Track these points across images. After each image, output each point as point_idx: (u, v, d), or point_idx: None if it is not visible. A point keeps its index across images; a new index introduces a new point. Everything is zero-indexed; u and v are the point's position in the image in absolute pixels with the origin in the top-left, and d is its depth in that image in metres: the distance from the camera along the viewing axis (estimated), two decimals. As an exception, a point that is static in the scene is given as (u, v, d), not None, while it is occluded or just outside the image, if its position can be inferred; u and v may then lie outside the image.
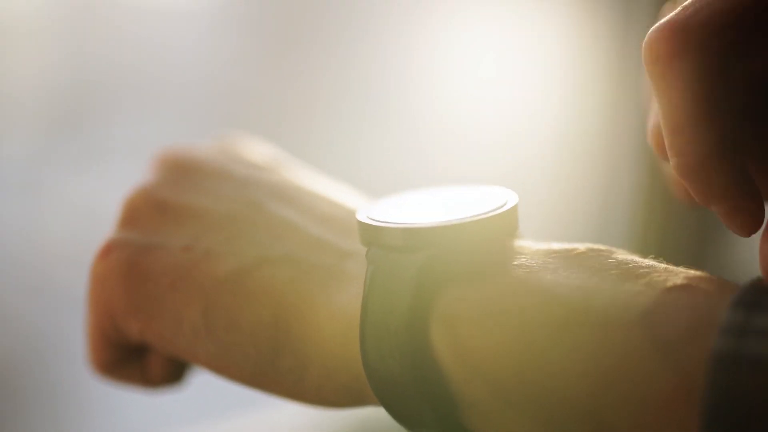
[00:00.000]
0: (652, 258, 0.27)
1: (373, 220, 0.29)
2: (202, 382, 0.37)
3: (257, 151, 0.36)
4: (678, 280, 0.25)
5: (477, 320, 0.26)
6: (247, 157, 0.35)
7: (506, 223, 0.28)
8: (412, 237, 0.27)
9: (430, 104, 1.73)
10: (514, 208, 0.29)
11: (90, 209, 1.49)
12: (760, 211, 0.26)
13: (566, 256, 0.27)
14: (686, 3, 0.26)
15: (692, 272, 0.26)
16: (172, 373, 0.35)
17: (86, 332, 0.34)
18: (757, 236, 0.28)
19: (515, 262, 0.27)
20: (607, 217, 1.08)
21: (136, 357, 0.34)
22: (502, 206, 0.28)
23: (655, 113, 0.30)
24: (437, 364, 0.27)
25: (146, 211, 0.33)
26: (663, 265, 0.26)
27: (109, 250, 0.33)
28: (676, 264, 0.27)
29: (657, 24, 0.26)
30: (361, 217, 0.29)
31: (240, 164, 0.35)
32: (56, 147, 1.77)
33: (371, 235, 0.28)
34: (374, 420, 0.44)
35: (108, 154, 1.69)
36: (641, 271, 0.26)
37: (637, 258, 0.27)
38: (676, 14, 0.26)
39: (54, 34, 2.07)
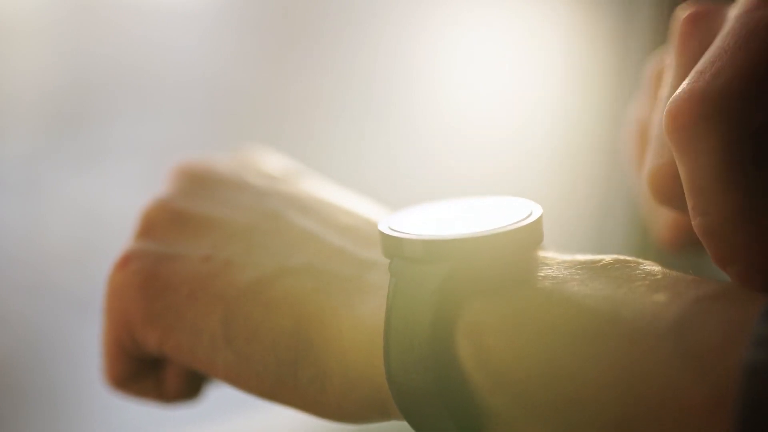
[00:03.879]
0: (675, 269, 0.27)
1: (396, 231, 0.28)
2: (202, 383, 0.37)
3: (275, 162, 0.36)
4: (706, 291, 0.25)
5: (503, 331, 0.26)
6: (264, 168, 0.35)
7: (531, 236, 0.28)
8: (435, 249, 0.27)
9: (431, 104, 1.73)
10: (539, 221, 0.28)
11: (90, 209, 1.49)
12: None
13: (592, 267, 0.27)
14: (701, 67, 0.27)
15: (720, 283, 0.25)
16: (189, 387, 0.34)
17: (102, 344, 0.34)
18: None
19: (541, 274, 0.27)
20: (606, 218, 1.08)
21: (152, 370, 0.34)
22: (526, 218, 0.28)
23: (652, 159, 0.30)
24: (462, 376, 0.26)
25: (164, 222, 0.33)
26: (690, 276, 0.26)
27: (127, 261, 0.32)
28: (677, 267, 0.27)
29: (677, 92, 0.26)
30: (383, 228, 0.29)
31: (258, 175, 0.34)
32: (56, 147, 1.77)
33: (394, 246, 0.28)
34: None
35: (108, 154, 1.69)
36: (669, 281, 0.26)
37: (663, 269, 0.27)
38: (695, 82, 0.26)
39: (54, 34, 2.06)
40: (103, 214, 1.47)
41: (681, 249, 0.34)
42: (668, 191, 0.30)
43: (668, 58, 0.31)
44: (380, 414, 0.30)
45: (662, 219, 0.34)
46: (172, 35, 2.11)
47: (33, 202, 1.58)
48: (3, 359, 1.26)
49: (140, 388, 0.35)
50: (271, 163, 0.36)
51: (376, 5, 2.00)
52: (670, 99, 0.26)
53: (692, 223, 0.26)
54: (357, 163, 1.62)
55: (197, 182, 0.34)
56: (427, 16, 1.87)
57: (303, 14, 2.06)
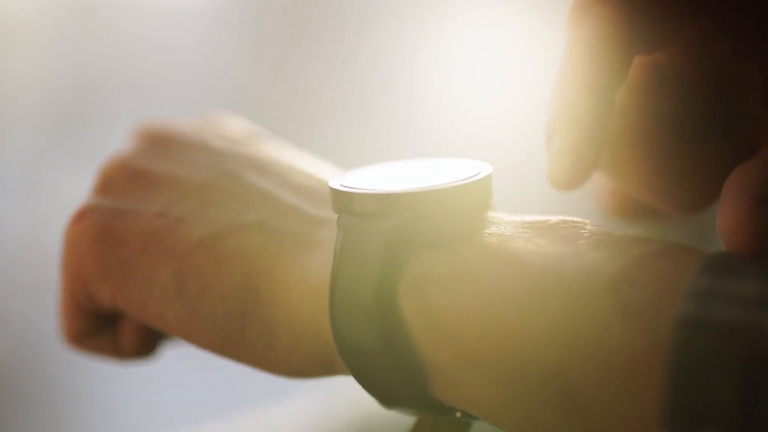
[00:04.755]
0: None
1: (345, 186, 0.29)
2: (201, 382, 0.37)
3: (236, 126, 0.36)
4: (647, 248, 0.25)
5: (445, 285, 0.26)
6: (224, 131, 0.35)
7: (478, 192, 0.28)
8: (382, 203, 0.27)
9: (431, 104, 1.73)
10: (487, 178, 0.29)
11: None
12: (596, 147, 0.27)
13: (539, 226, 0.27)
14: None
15: (662, 242, 0.26)
16: (144, 343, 0.34)
17: (58, 299, 0.34)
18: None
19: (487, 231, 0.27)
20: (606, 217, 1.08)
21: (107, 326, 0.34)
22: (474, 176, 0.28)
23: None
24: (405, 329, 0.26)
25: (121, 179, 0.33)
26: (633, 235, 0.26)
27: (82, 216, 0.33)
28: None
29: None
30: (334, 184, 0.29)
31: (217, 137, 0.35)
32: (56, 147, 1.77)
33: (342, 201, 0.28)
34: (374, 420, 0.44)
35: (108, 154, 1.68)
36: (612, 240, 0.26)
37: (608, 229, 0.27)
38: None
39: (54, 34, 2.07)
40: (103, 214, 1.47)
41: (621, 218, 0.35)
42: None
43: None
44: (327, 369, 0.30)
45: (601, 188, 0.35)
46: (172, 35, 2.11)
47: (33, 202, 1.58)
48: (3, 359, 1.26)
49: (96, 344, 0.35)
50: (232, 126, 0.36)
51: (376, 5, 2.00)
52: None
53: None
54: (357, 163, 1.62)
55: (157, 142, 0.34)
56: (428, 16, 1.88)
57: (303, 14, 2.06)
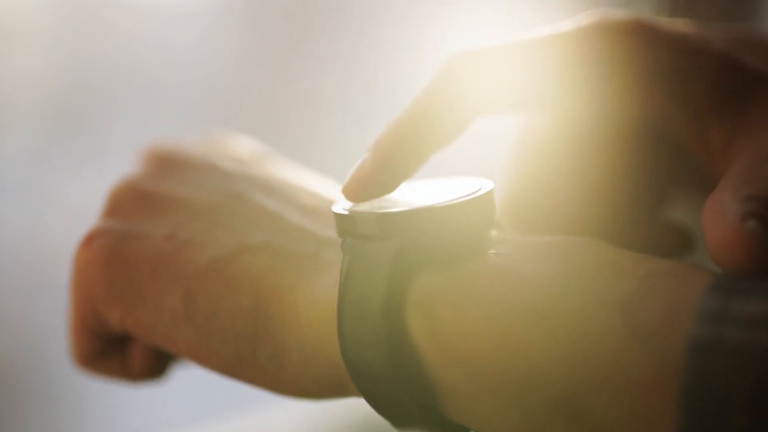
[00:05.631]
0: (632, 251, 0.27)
1: (348, 210, 0.29)
2: (201, 383, 0.37)
3: (242, 146, 0.36)
4: (655, 268, 0.25)
5: (453, 304, 0.26)
6: (232, 152, 0.36)
7: (481, 209, 0.28)
8: (384, 223, 0.28)
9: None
10: (489, 194, 0.28)
11: (89, 209, 1.49)
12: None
13: (545, 246, 0.27)
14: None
15: (668, 261, 0.26)
16: (154, 365, 0.34)
17: (68, 322, 0.34)
18: None
19: (492, 250, 0.27)
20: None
21: (117, 348, 0.34)
22: (476, 192, 0.28)
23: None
24: (414, 349, 0.26)
25: (129, 201, 0.33)
26: (639, 254, 0.26)
27: (91, 239, 0.33)
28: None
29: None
30: (337, 208, 0.29)
31: (225, 158, 0.35)
32: (56, 147, 1.77)
33: (345, 224, 0.28)
34: (374, 420, 0.44)
35: (108, 154, 1.69)
36: (618, 259, 0.26)
37: (615, 248, 0.27)
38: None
39: (54, 34, 2.07)
40: (103, 214, 1.47)
41: None
42: (515, 214, 0.33)
43: None
44: (339, 391, 0.30)
45: None
46: (172, 35, 2.11)
47: (33, 202, 1.58)
48: (3, 359, 1.26)
49: (106, 366, 0.35)
50: (239, 147, 0.36)
51: (376, 5, 2.00)
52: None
53: None
54: (355, 162, 1.62)
55: (165, 164, 0.35)
56: (428, 15, 1.88)
57: (303, 14, 2.06)
